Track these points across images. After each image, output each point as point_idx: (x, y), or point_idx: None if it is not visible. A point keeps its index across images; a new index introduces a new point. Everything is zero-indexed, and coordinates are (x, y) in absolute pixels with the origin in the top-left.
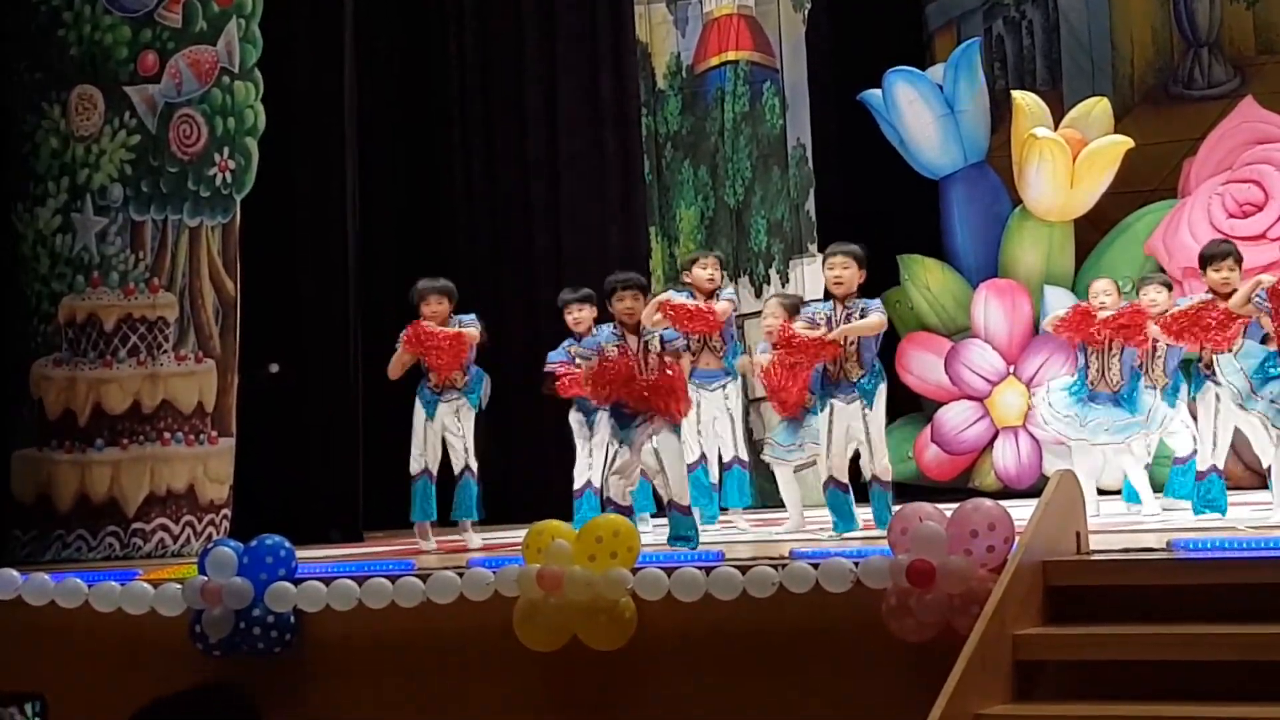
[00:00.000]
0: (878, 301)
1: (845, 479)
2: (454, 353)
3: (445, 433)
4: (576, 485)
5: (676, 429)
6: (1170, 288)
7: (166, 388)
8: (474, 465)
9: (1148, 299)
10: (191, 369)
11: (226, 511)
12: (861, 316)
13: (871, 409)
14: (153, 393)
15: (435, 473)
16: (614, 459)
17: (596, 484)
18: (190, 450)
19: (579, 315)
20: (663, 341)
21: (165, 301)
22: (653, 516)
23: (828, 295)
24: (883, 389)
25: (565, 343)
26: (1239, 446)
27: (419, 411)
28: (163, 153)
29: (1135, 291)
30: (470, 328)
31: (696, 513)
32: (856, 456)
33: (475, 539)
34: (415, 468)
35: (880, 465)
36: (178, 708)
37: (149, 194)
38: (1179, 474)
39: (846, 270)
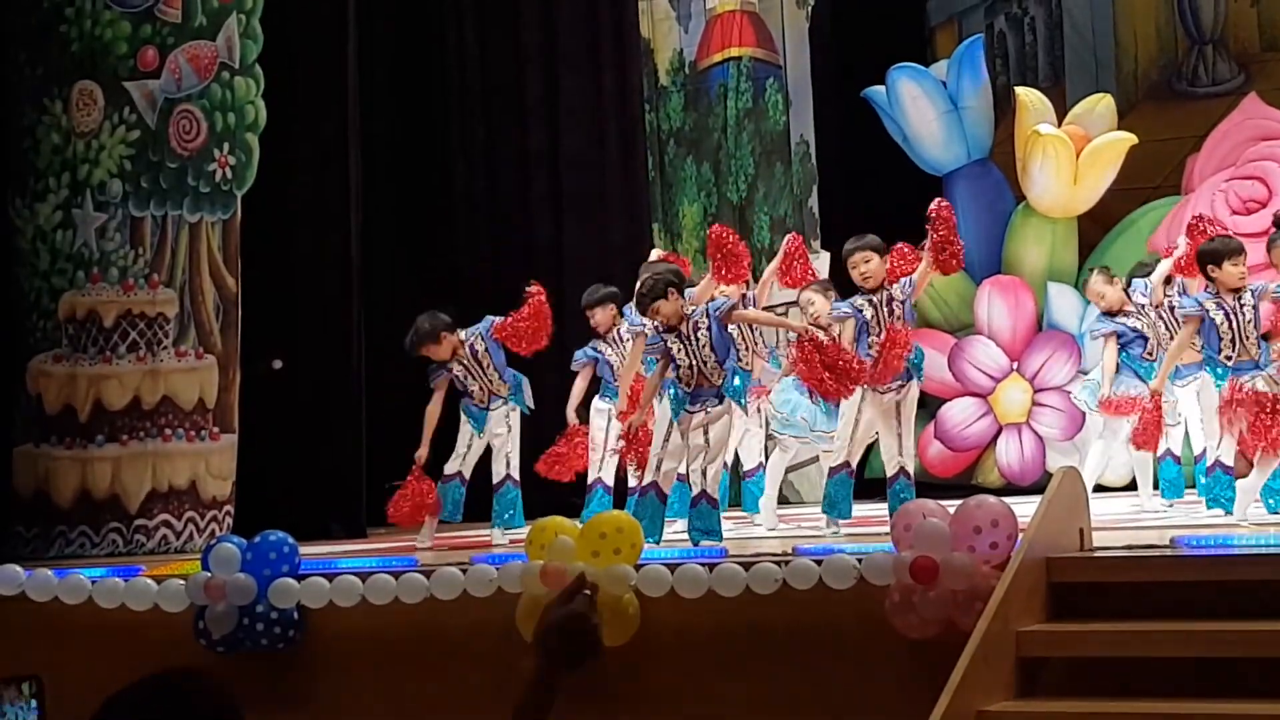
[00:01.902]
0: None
1: (855, 465)
2: (533, 330)
3: (492, 439)
4: (589, 479)
5: (729, 418)
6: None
7: (167, 384)
8: (516, 474)
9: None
10: (192, 365)
11: (229, 508)
12: (903, 301)
13: (906, 400)
14: (153, 389)
15: (469, 476)
16: (666, 439)
17: (609, 481)
18: (191, 446)
19: (599, 318)
20: (709, 314)
21: (165, 298)
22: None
23: (835, 287)
24: (916, 381)
25: (591, 344)
26: None
27: (466, 424)
28: (162, 148)
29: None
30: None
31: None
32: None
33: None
34: (450, 469)
35: (909, 454)
36: (146, 696)
37: (149, 190)
38: (1197, 474)
39: (869, 264)
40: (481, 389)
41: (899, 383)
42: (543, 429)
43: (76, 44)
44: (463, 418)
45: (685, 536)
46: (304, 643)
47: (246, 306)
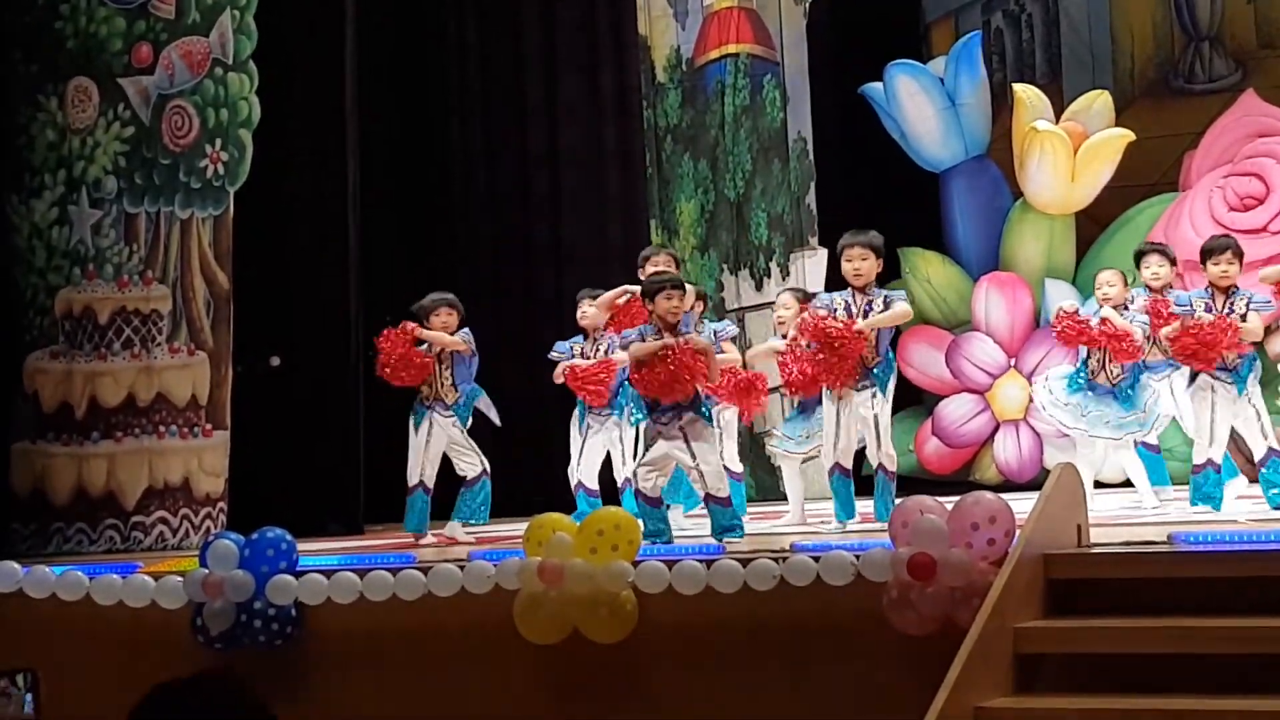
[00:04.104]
0: (901, 292)
1: (850, 465)
2: (413, 367)
3: (450, 445)
4: (572, 484)
5: (709, 421)
6: (1172, 260)
7: (161, 381)
8: (488, 467)
9: (1149, 273)
10: (185, 362)
11: (223, 504)
12: (885, 306)
13: (884, 397)
14: (148, 386)
15: (431, 486)
16: (646, 450)
17: (589, 484)
18: (184, 443)
19: (585, 310)
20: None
21: (159, 294)
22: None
23: (832, 286)
24: (893, 380)
25: (575, 339)
26: (1240, 440)
27: (412, 425)
28: (155, 144)
29: (1137, 265)
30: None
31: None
32: (861, 449)
33: (463, 536)
34: (411, 480)
35: (886, 454)
36: (180, 697)
37: (142, 186)
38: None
39: (865, 261)
40: (430, 386)
41: (869, 388)
42: (541, 425)
43: (72, 40)
44: (410, 423)
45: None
46: (302, 639)
47: (243, 303)
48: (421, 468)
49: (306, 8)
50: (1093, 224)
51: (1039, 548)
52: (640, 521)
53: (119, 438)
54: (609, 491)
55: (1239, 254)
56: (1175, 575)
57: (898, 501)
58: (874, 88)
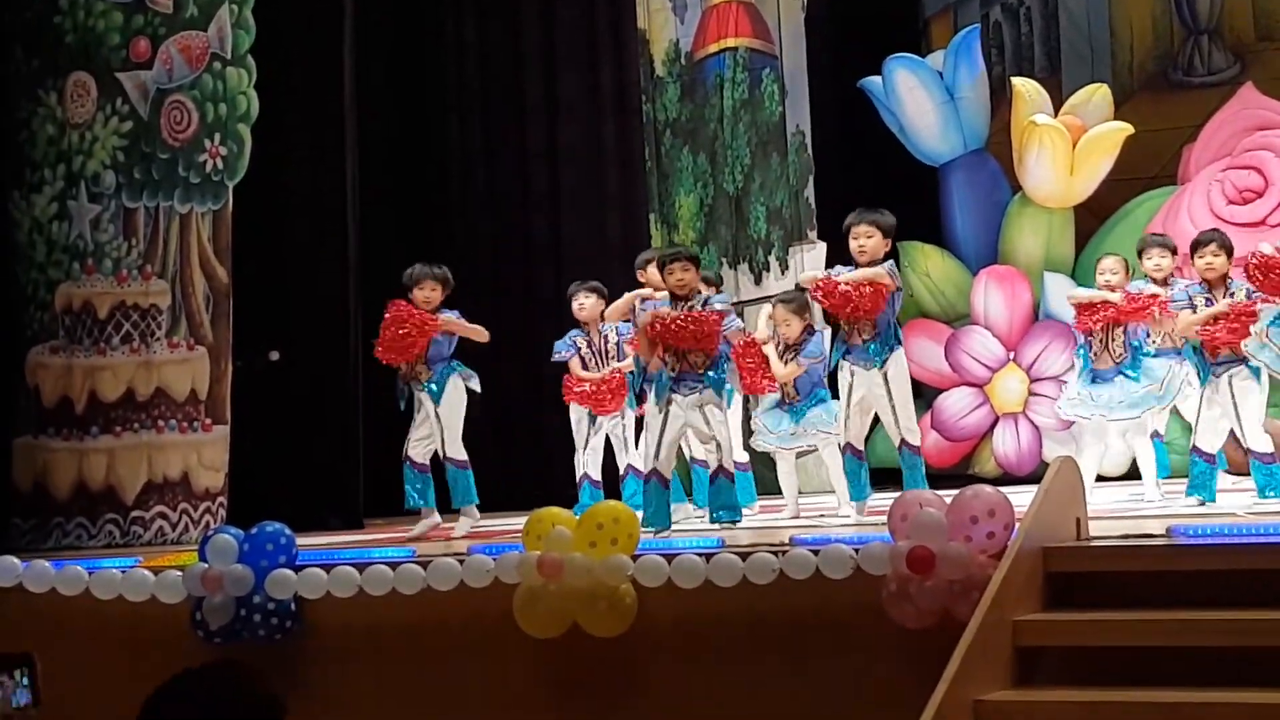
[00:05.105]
0: (889, 263)
1: (861, 446)
2: (402, 341)
3: (435, 419)
4: (577, 477)
5: (722, 394)
6: (1174, 251)
7: (160, 375)
8: (456, 455)
9: (1152, 264)
10: (184, 356)
11: (222, 499)
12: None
13: (890, 374)
14: (147, 380)
15: (450, 456)
16: (661, 428)
17: (595, 476)
18: (184, 438)
19: (582, 301)
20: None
21: (158, 289)
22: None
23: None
24: (899, 355)
25: (571, 333)
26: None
27: (401, 406)
28: (154, 139)
29: (1139, 257)
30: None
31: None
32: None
33: (466, 525)
34: (416, 457)
35: (906, 428)
36: (189, 687)
37: (141, 181)
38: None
39: (870, 239)
40: (409, 365)
41: (877, 359)
42: (541, 420)
43: (71, 35)
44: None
45: (706, 520)
46: (301, 634)
47: (242, 298)
48: (423, 443)
49: (305, 3)
50: (1092, 217)
51: (1038, 541)
52: (641, 511)
53: (118, 432)
54: (612, 483)
55: (1224, 246)
56: (1174, 568)
57: (896, 495)
58: (873, 81)
